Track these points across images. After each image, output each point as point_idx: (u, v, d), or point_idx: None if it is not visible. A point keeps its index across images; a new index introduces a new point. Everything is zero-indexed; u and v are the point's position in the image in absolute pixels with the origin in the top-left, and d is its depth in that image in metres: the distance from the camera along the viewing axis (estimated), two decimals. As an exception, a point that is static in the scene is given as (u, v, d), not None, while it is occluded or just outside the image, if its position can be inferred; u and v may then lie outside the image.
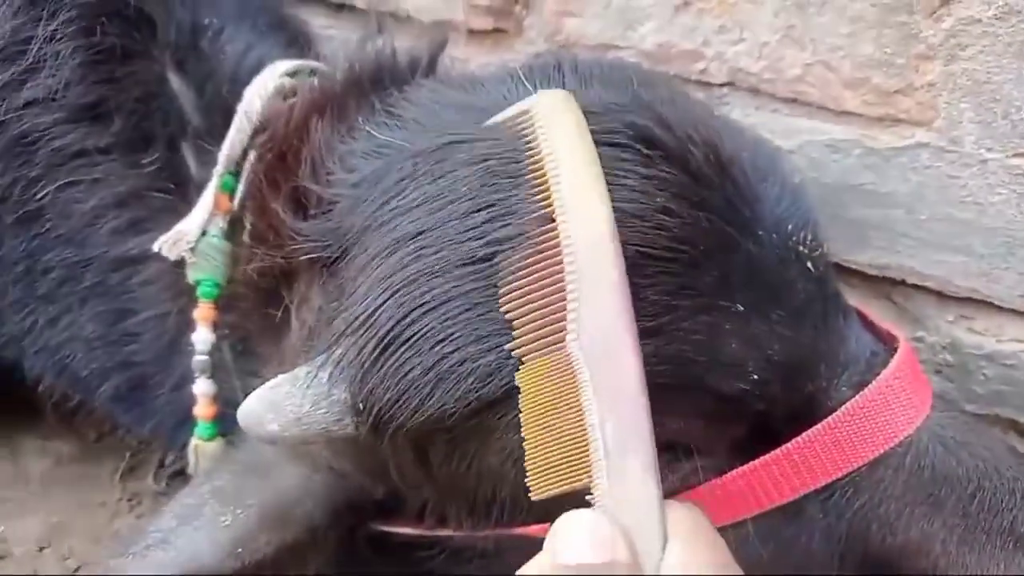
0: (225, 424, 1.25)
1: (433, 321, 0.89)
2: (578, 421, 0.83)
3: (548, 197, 0.90)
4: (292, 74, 1.30)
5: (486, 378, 0.88)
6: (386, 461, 1.08)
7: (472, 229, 0.91)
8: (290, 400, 0.94)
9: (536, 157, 0.93)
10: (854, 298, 1.13)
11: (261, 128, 1.25)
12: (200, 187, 1.26)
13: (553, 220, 0.89)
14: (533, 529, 1.06)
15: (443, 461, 1.04)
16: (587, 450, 0.83)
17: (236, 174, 1.25)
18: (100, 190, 1.29)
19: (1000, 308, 1.29)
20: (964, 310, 1.33)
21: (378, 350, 0.91)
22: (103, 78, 1.30)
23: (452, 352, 0.88)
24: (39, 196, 1.29)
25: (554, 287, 0.86)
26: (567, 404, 0.84)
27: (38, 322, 1.34)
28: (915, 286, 1.34)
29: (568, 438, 0.84)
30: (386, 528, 1.18)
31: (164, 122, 1.30)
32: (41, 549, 1.38)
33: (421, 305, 0.90)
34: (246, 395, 1.20)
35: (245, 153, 1.25)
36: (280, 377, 0.97)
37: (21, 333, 1.35)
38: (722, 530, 0.99)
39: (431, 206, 0.95)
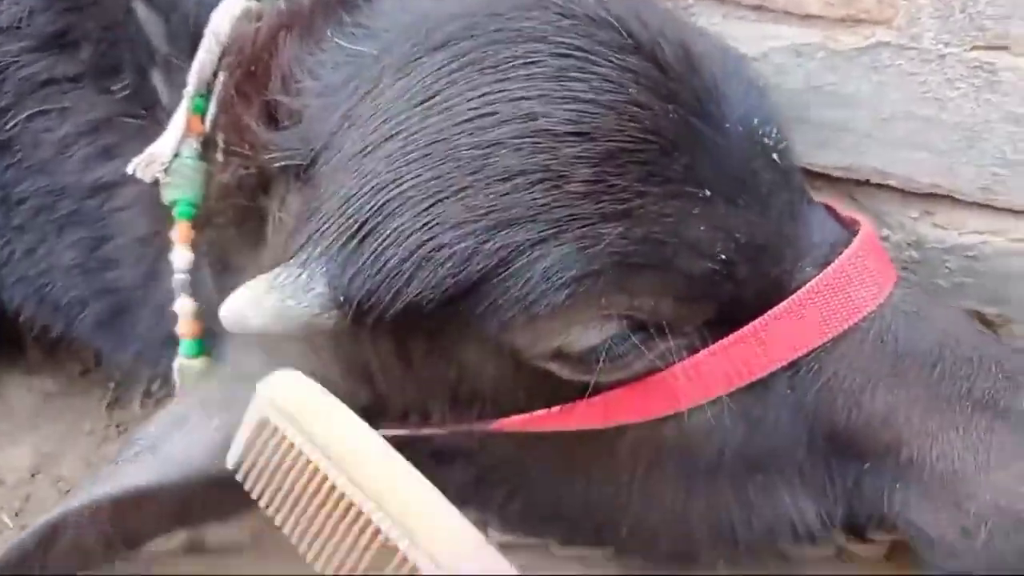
0: (208, 342, 1.27)
1: (409, 210, 0.92)
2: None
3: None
4: (258, -2, 1.31)
5: (462, 264, 0.91)
6: (368, 361, 1.11)
7: (447, 122, 0.94)
8: (271, 296, 0.97)
9: None
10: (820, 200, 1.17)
11: (230, 49, 1.25)
12: (171, 112, 1.26)
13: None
14: (514, 421, 1.11)
15: (423, 357, 1.08)
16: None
17: (206, 96, 1.25)
18: (71, 118, 1.29)
19: (961, 202, 1.33)
20: (927, 206, 1.36)
21: (356, 240, 0.94)
22: (69, 6, 1.30)
23: (429, 240, 0.91)
24: (9, 126, 1.30)
25: None
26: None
27: (15, 252, 1.35)
28: (879, 185, 1.37)
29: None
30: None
31: (132, 49, 1.30)
32: (33, 475, 1.41)
33: (397, 195, 0.93)
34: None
35: (215, 75, 1.25)
36: (262, 276, 0.99)
37: (2, 262, 1.36)
38: (699, 408, 1.05)
39: (404, 104, 0.97)
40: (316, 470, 0.93)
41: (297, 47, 1.14)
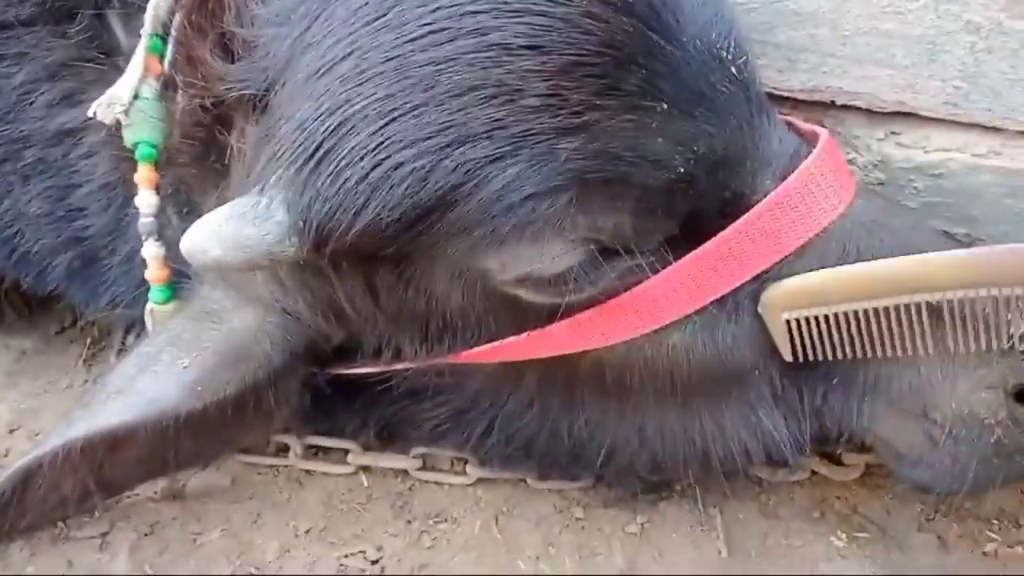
0: (179, 286, 1.27)
1: (364, 130, 0.90)
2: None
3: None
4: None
5: (420, 183, 0.90)
6: (336, 296, 1.11)
7: (399, 40, 0.92)
8: (231, 226, 0.96)
9: None
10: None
11: (186, -13, 1.23)
12: (129, 55, 1.24)
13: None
14: (484, 351, 1.11)
15: (391, 288, 1.07)
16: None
17: (164, 37, 1.23)
18: (28, 63, 1.27)
19: (926, 118, 1.32)
20: (892, 125, 1.36)
21: (312, 163, 0.92)
22: None
23: (385, 159, 0.90)
24: (-35, 73, 1.27)
25: None
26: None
27: (-16, 203, 1.33)
28: (845, 107, 1.37)
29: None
30: (347, 371, 1.22)
31: None
32: (12, 431, 1.41)
33: (352, 116, 0.91)
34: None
35: (171, 13, 1.24)
36: (221, 207, 0.98)
37: (-36, 217, 1.35)
38: (667, 327, 1.05)
39: (356, 23, 0.95)
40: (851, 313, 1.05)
41: None
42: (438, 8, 0.93)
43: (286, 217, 0.95)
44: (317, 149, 0.92)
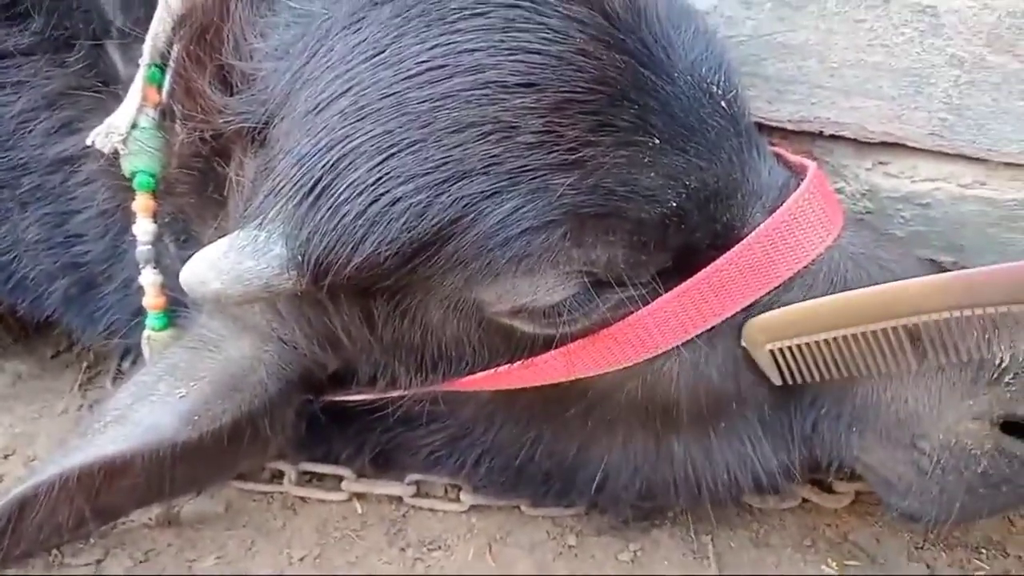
0: (176, 314, 1.28)
1: (363, 165, 0.92)
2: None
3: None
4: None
5: (417, 218, 0.92)
6: (333, 326, 1.12)
7: (397, 76, 0.94)
8: (230, 259, 0.97)
9: None
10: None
11: (184, 19, 1.24)
12: (127, 84, 1.26)
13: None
14: (478, 379, 1.12)
15: (386, 319, 1.09)
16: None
17: (162, 67, 1.25)
18: (27, 92, 1.28)
19: (913, 149, 1.35)
20: (880, 155, 1.38)
21: (311, 198, 0.94)
22: None
23: (383, 194, 0.92)
24: (-35, 102, 1.29)
25: None
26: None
27: (-22, 230, 1.34)
28: (833, 136, 1.39)
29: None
30: (341, 398, 1.23)
31: (86, 21, 1.29)
32: (6, 456, 1.41)
33: (350, 151, 0.93)
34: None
35: (169, 44, 1.25)
36: (221, 240, 1.00)
37: (-38, 242, 1.36)
38: (658, 357, 1.07)
39: (354, 59, 0.97)
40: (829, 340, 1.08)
41: (248, 10, 1.14)
42: (435, 46, 0.95)
43: (285, 251, 0.97)
44: (316, 184, 0.94)
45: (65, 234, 1.33)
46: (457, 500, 1.34)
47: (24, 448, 1.42)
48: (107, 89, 1.29)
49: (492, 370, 1.11)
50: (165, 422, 1.08)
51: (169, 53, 1.24)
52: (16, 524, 1.10)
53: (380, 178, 0.92)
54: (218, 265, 0.98)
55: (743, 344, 1.10)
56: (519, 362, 1.09)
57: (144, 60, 1.23)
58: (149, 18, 1.25)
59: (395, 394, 1.19)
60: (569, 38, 0.96)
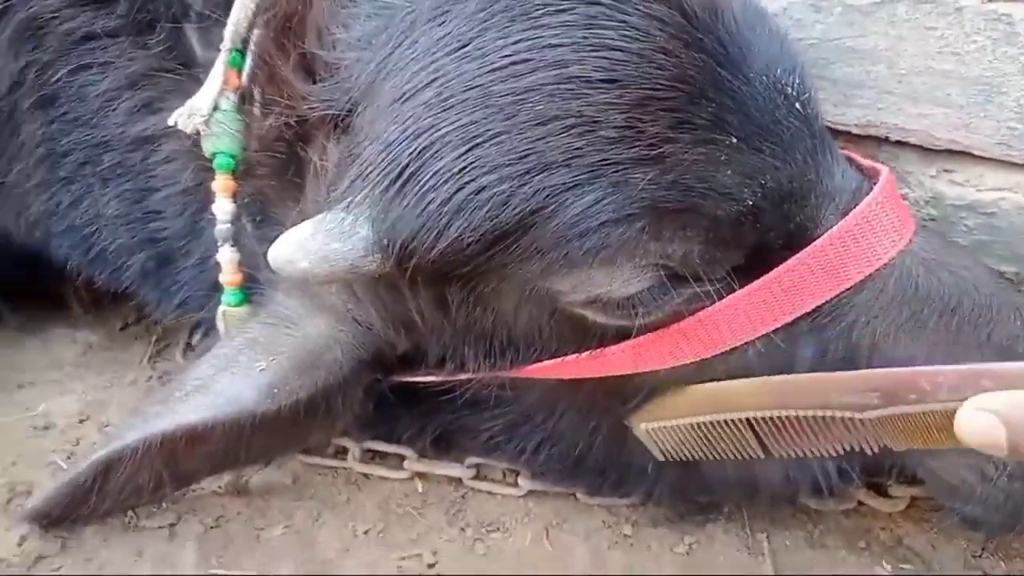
0: (250, 291, 1.32)
1: (448, 154, 0.96)
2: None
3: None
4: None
5: (500, 207, 0.95)
6: (407, 308, 1.16)
7: (481, 69, 0.97)
8: (317, 240, 1.01)
9: None
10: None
11: (264, 5, 1.28)
12: (206, 67, 1.30)
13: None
14: (545, 367, 1.15)
15: (460, 304, 1.12)
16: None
17: (242, 51, 1.29)
18: (112, 72, 1.33)
19: (980, 158, 1.35)
20: (945, 163, 1.39)
21: (398, 185, 0.97)
22: None
23: (468, 182, 0.95)
24: (53, 80, 1.34)
25: None
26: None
27: (62, 203, 1.39)
28: (899, 143, 1.40)
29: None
30: (409, 379, 1.27)
31: (167, 5, 1.33)
32: (81, 421, 1.46)
33: (436, 140, 0.96)
34: (265, 262, 1.29)
35: (250, 29, 1.29)
36: (308, 221, 1.04)
37: (46, 214, 1.41)
38: (724, 354, 1.09)
39: (439, 52, 1.00)
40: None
41: (330, 1, 1.18)
42: (519, 41, 0.98)
43: (370, 234, 1.00)
44: (403, 171, 0.98)
45: (144, 210, 1.38)
46: (515, 485, 1.37)
47: (97, 415, 1.47)
48: (186, 71, 1.33)
49: (560, 359, 1.14)
50: (246, 394, 1.13)
51: (249, 38, 1.29)
52: (101, 484, 1.16)
53: (465, 167, 0.95)
54: (306, 245, 1.02)
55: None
56: (587, 352, 1.12)
57: (225, 44, 1.27)
58: (227, 3, 1.29)
59: (462, 377, 1.22)
60: (650, 36, 0.98)
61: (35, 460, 1.37)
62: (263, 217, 1.30)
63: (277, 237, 1.26)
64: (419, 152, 0.97)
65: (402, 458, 1.39)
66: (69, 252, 1.44)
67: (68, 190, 1.39)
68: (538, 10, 0.99)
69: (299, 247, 1.02)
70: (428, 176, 0.96)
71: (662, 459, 1.21)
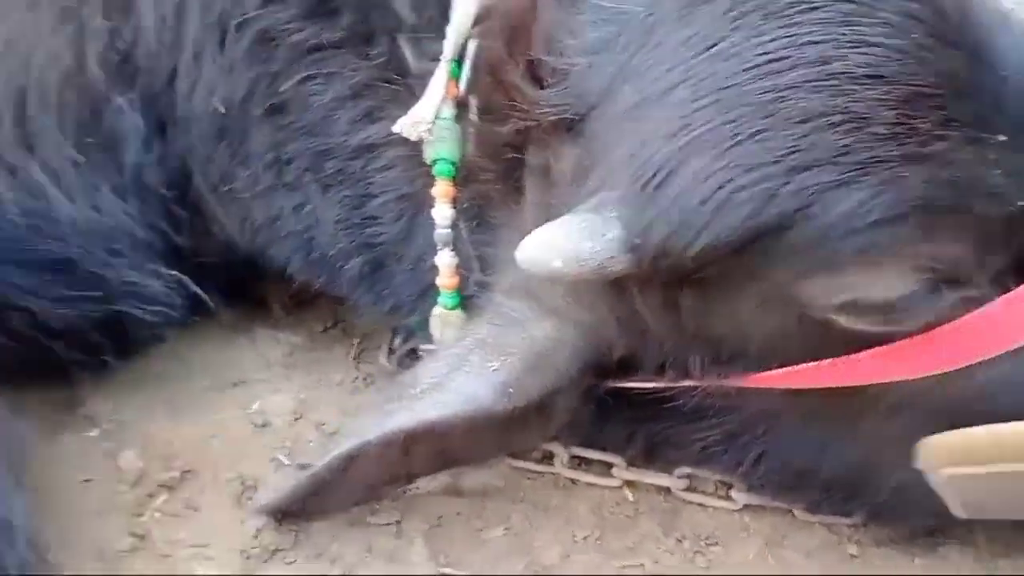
0: (462, 294, 1.34)
1: (706, 153, 0.95)
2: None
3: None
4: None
5: (762, 205, 0.93)
6: (631, 312, 1.14)
7: (736, 68, 0.96)
8: (568, 240, 1.02)
9: None
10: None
11: (482, 16, 1.31)
12: (419, 78, 1.33)
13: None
14: (783, 375, 1.11)
15: (693, 307, 1.10)
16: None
17: (458, 61, 1.32)
18: (336, 82, 1.38)
19: None
20: None
21: (653, 184, 0.97)
22: None
23: (728, 181, 0.94)
24: (282, 90, 1.39)
25: None
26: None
27: (284, 209, 1.45)
28: None
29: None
30: (625, 384, 1.25)
31: (384, 18, 1.37)
32: (296, 419, 1.51)
33: (692, 140, 0.96)
34: (481, 265, 1.32)
35: (466, 41, 1.32)
36: (555, 221, 1.04)
37: (269, 220, 1.47)
38: (982, 364, 1.02)
39: (687, 53, 1.00)
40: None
41: (556, 10, 1.19)
42: (775, 39, 0.97)
43: (621, 234, 1.00)
44: (658, 171, 0.97)
45: (362, 216, 1.42)
46: (728, 498, 1.33)
47: (309, 413, 1.51)
48: (401, 81, 1.37)
49: (795, 367, 1.09)
50: (482, 392, 1.14)
51: (465, 49, 1.32)
52: (340, 478, 1.20)
53: (725, 166, 0.94)
54: (557, 245, 1.02)
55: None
56: (828, 360, 1.07)
57: (446, 55, 1.30)
58: (439, 16, 1.33)
59: (684, 385, 1.20)
60: (908, 33, 0.96)
61: (258, 456, 1.42)
62: (479, 221, 1.33)
63: (491, 242, 1.31)
64: (675, 152, 0.96)
65: (608, 465, 1.37)
66: (289, 256, 1.50)
67: (291, 196, 1.44)
68: (791, 9, 0.98)
69: (550, 247, 1.03)
70: (686, 176, 0.95)
71: (961, 514, 1.09)
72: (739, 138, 0.94)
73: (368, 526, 1.29)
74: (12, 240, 1.34)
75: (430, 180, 1.33)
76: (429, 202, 1.34)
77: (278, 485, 1.30)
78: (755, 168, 0.93)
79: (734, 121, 0.95)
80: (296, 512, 1.27)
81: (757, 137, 0.94)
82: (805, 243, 0.95)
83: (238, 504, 1.34)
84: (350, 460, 1.16)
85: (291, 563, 1.25)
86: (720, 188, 0.94)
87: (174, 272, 1.44)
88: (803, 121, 0.93)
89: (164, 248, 1.45)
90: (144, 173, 1.42)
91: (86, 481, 1.38)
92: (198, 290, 1.45)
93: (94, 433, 1.47)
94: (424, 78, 1.33)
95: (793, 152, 0.93)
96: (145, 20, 1.37)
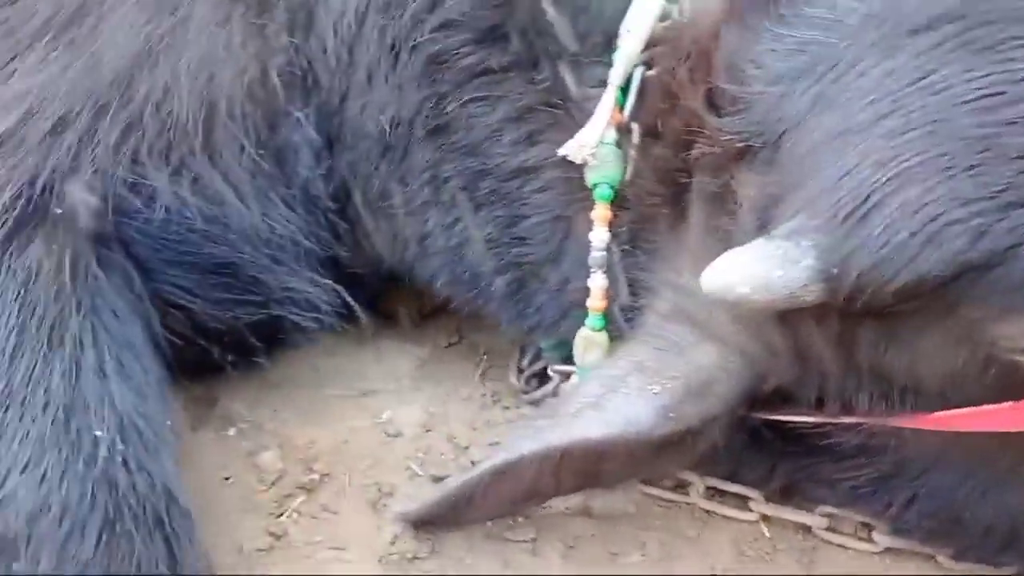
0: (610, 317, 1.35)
1: (917, 185, 0.95)
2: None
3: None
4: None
5: (974, 241, 0.93)
6: (796, 343, 1.14)
7: (948, 102, 0.97)
8: (761, 267, 1.02)
9: None
10: None
11: (650, 45, 1.34)
12: (578, 103, 1.37)
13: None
14: (960, 416, 1.08)
15: (871, 342, 1.09)
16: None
17: (623, 89, 1.35)
18: (502, 105, 1.42)
19: None
20: None
21: (858, 215, 0.97)
22: (498, 2, 1.42)
23: (940, 214, 0.94)
24: (447, 111, 1.44)
25: None
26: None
27: (437, 226, 1.49)
28: None
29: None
30: (776, 416, 1.25)
31: (548, 43, 1.41)
32: (426, 431, 1.53)
33: (903, 171, 0.96)
34: (631, 289, 1.33)
35: (632, 68, 1.35)
36: (744, 247, 1.05)
37: (421, 236, 1.51)
38: None
39: (893, 84, 1.01)
40: None
41: (737, 39, 1.22)
42: (989, 74, 0.97)
43: (817, 263, 1.00)
44: (864, 202, 0.97)
45: (512, 235, 1.45)
46: (869, 540, 1.31)
47: (439, 426, 1.53)
48: (562, 106, 1.40)
49: (975, 408, 1.08)
50: (643, 415, 1.14)
51: (631, 76, 1.35)
52: (487, 489, 1.21)
53: (937, 198, 0.94)
54: (745, 271, 1.02)
55: None
56: (1010, 403, 1.06)
57: (614, 82, 1.33)
58: (606, 46, 1.36)
59: (845, 421, 1.19)
60: None
61: (391, 465, 1.45)
62: (633, 245, 1.35)
63: (647, 265, 1.33)
64: (882, 183, 0.97)
65: (744, 498, 1.36)
66: (436, 272, 1.53)
67: (444, 214, 1.48)
68: (1003, 44, 0.98)
69: (739, 273, 1.03)
70: (894, 207, 0.96)
71: None
72: (952, 172, 0.94)
73: (505, 541, 1.30)
74: (185, 243, 1.40)
75: (584, 203, 1.36)
76: (580, 224, 1.37)
77: (413, 494, 1.31)
78: (969, 202, 0.93)
79: (947, 154, 0.95)
80: (435, 522, 1.28)
81: (971, 171, 0.94)
82: (1011, 282, 0.94)
83: (374, 510, 1.36)
84: (501, 473, 1.17)
85: (427, 572, 1.26)
86: (932, 221, 0.94)
87: (329, 281, 1.49)
88: (1019, 158, 0.93)
89: (323, 257, 1.49)
90: (312, 185, 1.47)
91: (226, 479, 1.42)
92: (351, 299, 1.49)
93: (232, 432, 1.51)
94: (582, 104, 1.36)
95: (1008, 188, 0.93)
96: (325, 39, 1.43)
